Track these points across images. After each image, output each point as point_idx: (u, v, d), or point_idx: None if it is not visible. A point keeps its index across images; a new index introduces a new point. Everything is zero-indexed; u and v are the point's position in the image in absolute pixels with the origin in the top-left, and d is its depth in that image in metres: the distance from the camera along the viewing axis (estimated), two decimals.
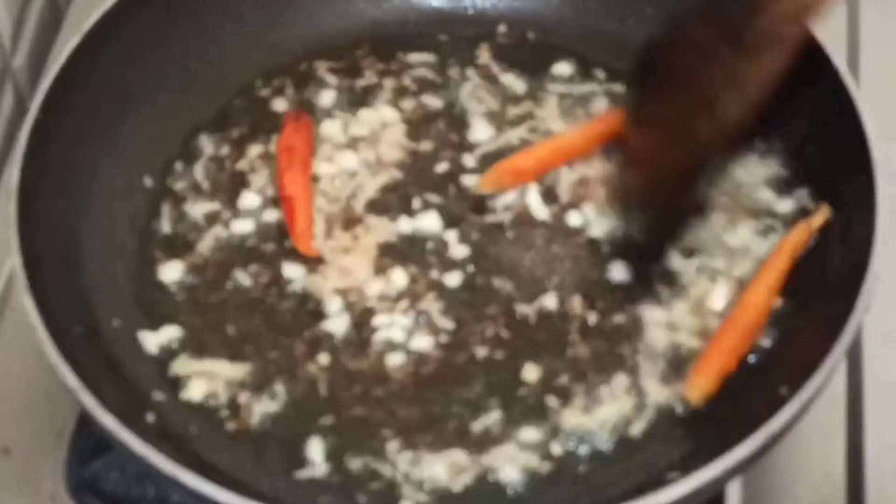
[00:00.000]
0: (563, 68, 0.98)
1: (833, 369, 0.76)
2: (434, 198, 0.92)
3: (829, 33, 0.88)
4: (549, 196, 0.91)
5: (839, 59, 0.87)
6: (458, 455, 0.80)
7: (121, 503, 0.85)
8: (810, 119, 0.89)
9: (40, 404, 0.90)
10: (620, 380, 0.84)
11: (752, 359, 0.83)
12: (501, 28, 1.00)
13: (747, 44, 0.73)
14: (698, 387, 0.82)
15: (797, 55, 0.77)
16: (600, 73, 0.97)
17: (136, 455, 0.74)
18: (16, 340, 0.93)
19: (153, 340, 0.85)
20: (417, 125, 0.96)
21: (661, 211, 0.81)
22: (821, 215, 0.86)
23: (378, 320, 0.86)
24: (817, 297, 0.83)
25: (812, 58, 0.87)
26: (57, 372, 0.76)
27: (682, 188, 0.79)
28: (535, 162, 0.91)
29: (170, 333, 0.86)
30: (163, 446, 0.74)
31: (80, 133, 0.89)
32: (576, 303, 0.87)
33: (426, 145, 0.95)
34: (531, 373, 0.84)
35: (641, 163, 0.79)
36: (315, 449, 0.81)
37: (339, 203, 0.92)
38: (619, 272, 0.88)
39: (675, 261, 0.87)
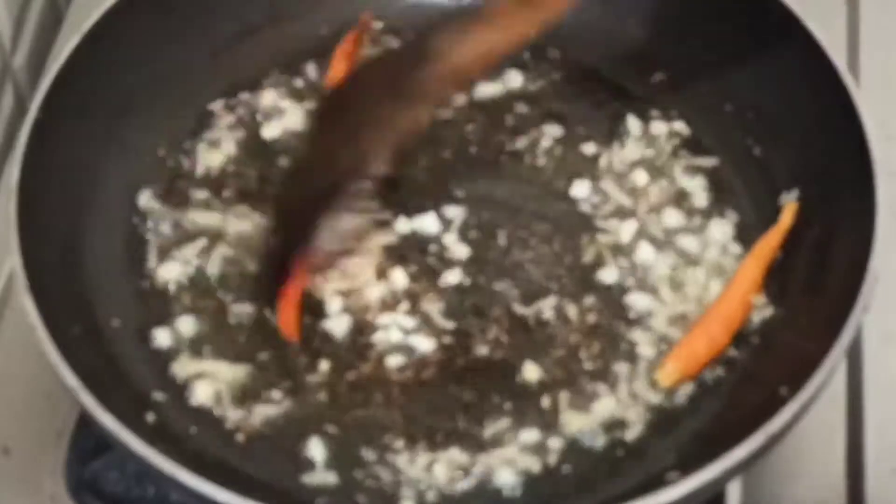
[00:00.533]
0: (562, 69, 0.98)
1: (833, 369, 0.76)
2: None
3: (829, 33, 0.88)
4: None
5: (839, 59, 0.87)
6: (459, 455, 0.81)
7: (121, 503, 0.85)
8: (810, 119, 0.89)
9: (40, 404, 0.90)
10: (620, 380, 0.84)
11: (752, 359, 0.84)
12: None
13: (404, 94, 0.84)
14: (669, 372, 0.83)
15: None
16: (600, 74, 0.98)
17: (136, 455, 0.74)
18: (16, 340, 0.93)
19: (156, 340, 0.86)
20: None
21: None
22: (789, 212, 0.87)
23: (379, 321, 0.86)
24: (817, 296, 0.83)
25: (812, 58, 0.88)
26: (57, 372, 0.76)
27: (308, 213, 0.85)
28: None
29: (170, 333, 0.86)
30: (163, 446, 0.74)
31: (80, 133, 0.89)
32: (574, 304, 0.87)
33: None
34: (531, 373, 0.84)
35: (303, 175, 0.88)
36: (316, 450, 0.81)
37: None
38: (609, 274, 0.88)
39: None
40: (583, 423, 0.82)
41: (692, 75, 0.95)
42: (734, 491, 0.84)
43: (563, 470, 0.81)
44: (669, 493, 0.72)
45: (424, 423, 0.82)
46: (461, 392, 0.83)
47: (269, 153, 0.95)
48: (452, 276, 0.88)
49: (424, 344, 0.85)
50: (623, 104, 0.96)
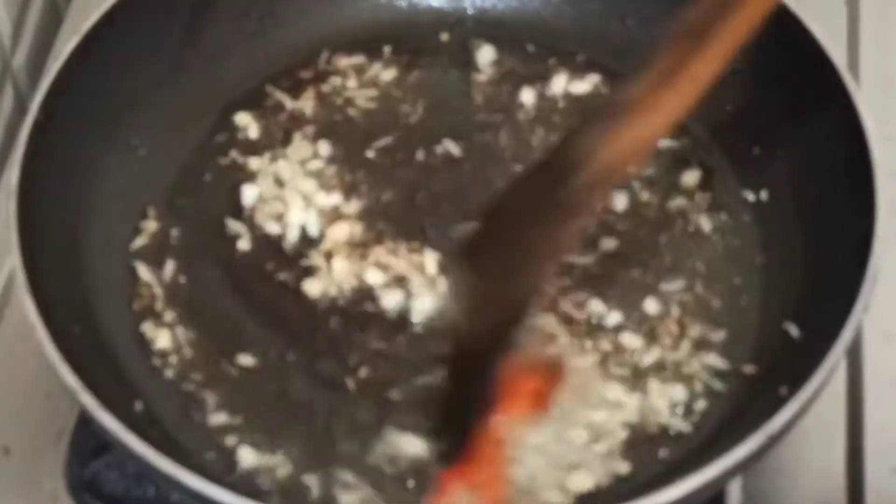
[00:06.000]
0: (561, 69, 0.98)
1: (833, 369, 0.76)
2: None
3: (829, 33, 0.88)
4: None
5: (839, 59, 0.87)
6: None
7: (121, 503, 0.85)
8: (810, 119, 0.89)
9: (40, 404, 0.90)
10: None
11: (752, 358, 0.84)
12: (501, 28, 1.00)
13: (562, 206, 0.75)
14: None
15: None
16: (600, 74, 0.98)
17: (136, 455, 0.74)
18: (16, 340, 0.93)
19: (157, 341, 0.86)
20: None
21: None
22: None
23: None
24: (817, 296, 0.83)
25: (812, 58, 0.88)
26: (57, 372, 0.76)
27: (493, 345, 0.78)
28: None
29: (169, 335, 0.86)
30: (162, 447, 0.74)
31: (80, 133, 0.89)
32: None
33: None
34: None
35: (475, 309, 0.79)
36: None
37: None
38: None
39: None
40: None
41: None
42: (734, 491, 0.84)
43: None
44: (669, 493, 0.72)
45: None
46: None
47: None
48: None
49: None
50: None
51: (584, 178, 0.74)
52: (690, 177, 0.93)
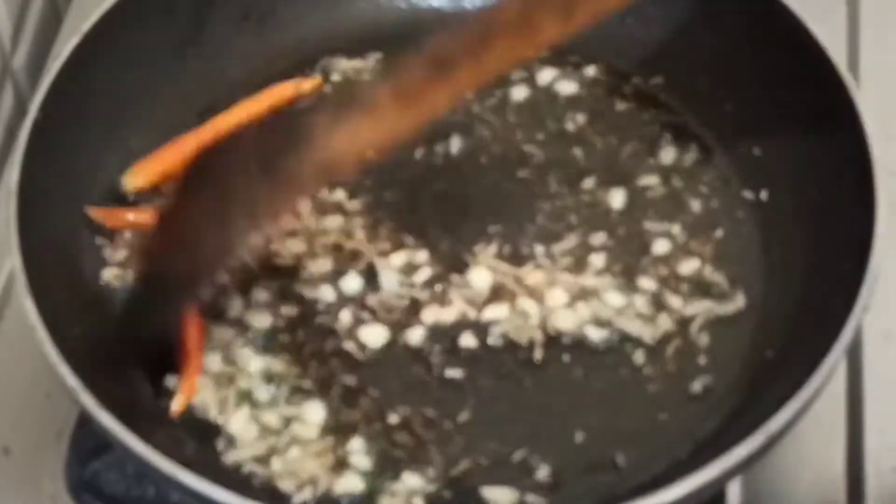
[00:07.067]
0: (559, 67, 0.98)
1: (833, 369, 0.76)
2: None
3: (829, 33, 0.88)
4: None
5: (839, 59, 0.87)
6: None
7: (121, 503, 0.85)
8: (810, 119, 0.89)
9: (40, 404, 0.90)
10: None
11: (752, 359, 0.84)
12: None
13: (278, 176, 0.76)
14: None
15: None
16: (597, 72, 0.98)
17: (136, 455, 0.74)
18: (16, 340, 0.93)
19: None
20: None
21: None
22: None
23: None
24: (817, 296, 0.83)
25: (812, 58, 0.88)
26: (57, 372, 0.76)
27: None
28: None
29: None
30: (163, 446, 0.74)
31: (80, 133, 0.89)
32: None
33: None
34: None
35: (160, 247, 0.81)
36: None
37: None
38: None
39: None
40: None
41: (691, 75, 0.95)
42: (734, 491, 0.84)
43: None
44: (670, 493, 0.72)
45: None
46: None
47: None
48: None
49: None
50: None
51: (310, 157, 0.76)
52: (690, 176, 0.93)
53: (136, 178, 0.91)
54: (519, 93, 0.97)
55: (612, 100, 0.97)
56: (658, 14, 0.97)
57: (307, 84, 0.96)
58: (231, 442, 0.81)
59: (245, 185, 0.77)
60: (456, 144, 0.94)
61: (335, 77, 0.98)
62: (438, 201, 0.92)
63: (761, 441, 0.73)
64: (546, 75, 0.98)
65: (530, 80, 0.98)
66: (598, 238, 0.89)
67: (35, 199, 0.83)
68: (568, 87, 0.97)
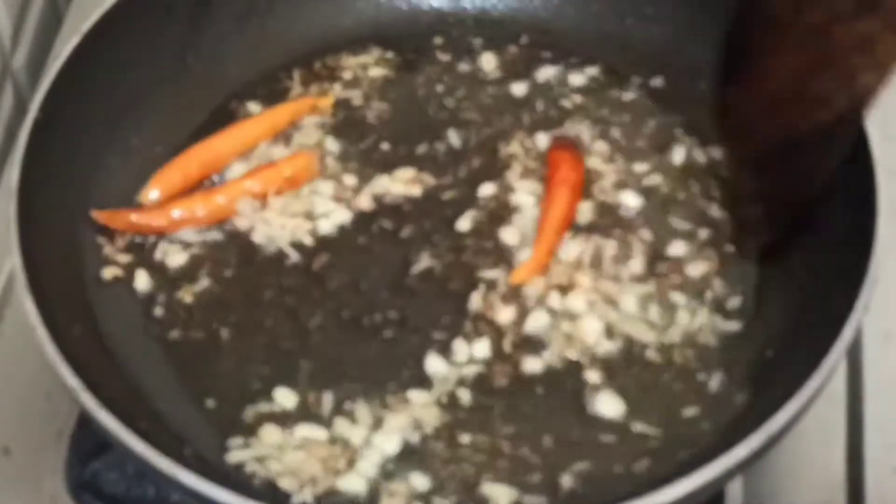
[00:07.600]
0: (560, 67, 0.98)
1: (833, 369, 0.76)
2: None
3: None
4: None
5: None
6: None
7: (121, 503, 0.85)
8: None
9: (40, 404, 0.90)
10: None
11: (752, 359, 0.84)
12: (501, 28, 1.00)
13: (886, 8, 0.69)
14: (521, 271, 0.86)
15: None
16: (598, 71, 0.98)
17: (136, 455, 0.74)
18: (16, 340, 0.93)
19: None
20: None
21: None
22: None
23: None
24: (817, 296, 0.83)
25: None
26: (57, 372, 0.76)
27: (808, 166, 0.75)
28: None
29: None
30: (163, 446, 0.74)
31: (80, 133, 0.89)
32: None
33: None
34: None
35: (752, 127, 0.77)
36: None
37: None
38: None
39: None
40: None
41: (692, 76, 0.95)
42: (734, 491, 0.84)
43: None
44: (670, 493, 0.72)
45: None
46: None
47: None
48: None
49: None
50: None
51: None
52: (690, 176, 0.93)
53: (153, 191, 0.91)
54: (518, 90, 0.97)
55: (612, 99, 0.97)
56: (658, 14, 0.97)
57: (324, 101, 0.96)
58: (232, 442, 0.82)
59: (843, 28, 0.69)
60: (458, 144, 0.95)
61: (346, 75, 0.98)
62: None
63: (761, 441, 0.73)
64: (546, 75, 0.98)
65: (530, 79, 0.98)
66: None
67: (35, 199, 0.83)
68: (568, 87, 0.98)
